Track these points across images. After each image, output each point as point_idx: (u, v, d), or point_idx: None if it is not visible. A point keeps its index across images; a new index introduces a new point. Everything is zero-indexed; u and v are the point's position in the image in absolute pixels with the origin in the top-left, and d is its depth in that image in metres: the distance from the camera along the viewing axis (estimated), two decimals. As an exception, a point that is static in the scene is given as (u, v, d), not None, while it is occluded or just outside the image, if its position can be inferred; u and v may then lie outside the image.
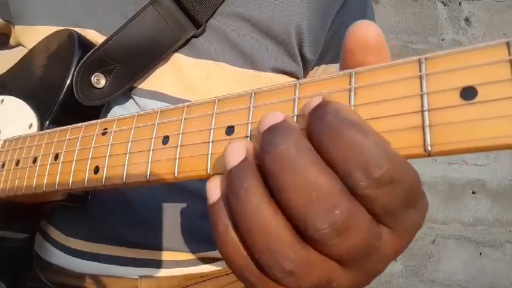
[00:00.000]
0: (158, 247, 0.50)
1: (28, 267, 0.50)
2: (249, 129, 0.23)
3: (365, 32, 0.20)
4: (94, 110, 0.46)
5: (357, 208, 0.18)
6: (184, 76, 0.48)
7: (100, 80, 0.45)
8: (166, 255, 0.50)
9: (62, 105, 0.45)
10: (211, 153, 0.25)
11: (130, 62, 0.46)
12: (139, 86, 0.48)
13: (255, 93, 0.24)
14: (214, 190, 0.21)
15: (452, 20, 1.60)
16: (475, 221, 1.56)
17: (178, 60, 0.48)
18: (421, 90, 0.18)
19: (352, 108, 0.20)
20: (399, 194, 0.18)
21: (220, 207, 0.21)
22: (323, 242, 0.18)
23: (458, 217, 1.57)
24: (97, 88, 0.45)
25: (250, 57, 0.48)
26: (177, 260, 0.51)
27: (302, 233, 0.19)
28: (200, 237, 0.51)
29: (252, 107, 0.24)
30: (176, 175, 0.26)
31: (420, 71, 0.19)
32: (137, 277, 0.49)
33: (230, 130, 0.24)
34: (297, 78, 0.51)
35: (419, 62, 0.19)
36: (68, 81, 0.44)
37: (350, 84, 0.20)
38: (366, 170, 0.17)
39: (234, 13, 0.48)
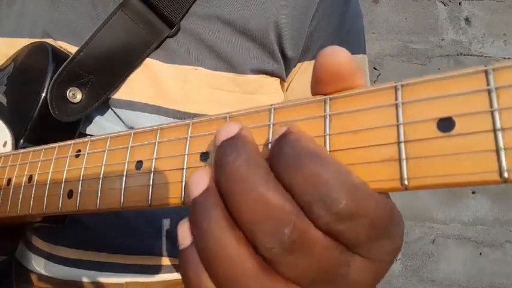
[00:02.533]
0: (145, 252, 0.49)
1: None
2: None
3: (335, 60, 0.19)
4: (71, 125, 0.44)
5: (310, 229, 0.17)
6: (160, 83, 0.46)
7: (76, 95, 0.43)
8: (153, 260, 0.49)
9: (37, 123, 0.43)
10: (186, 181, 0.24)
11: (104, 72, 0.44)
12: (116, 97, 0.46)
13: (229, 117, 0.23)
14: (185, 233, 0.20)
15: (452, 20, 1.59)
16: (475, 221, 1.56)
17: (154, 67, 0.46)
18: (397, 120, 0.18)
19: (328, 137, 0.19)
20: (364, 228, 0.17)
21: (192, 252, 0.19)
22: (274, 261, 0.18)
23: (458, 217, 1.57)
24: (73, 103, 0.43)
25: (228, 59, 0.46)
26: (164, 265, 0.50)
27: (258, 253, 0.18)
28: None
29: None
30: (150, 203, 0.25)
31: (396, 99, 0.18)
32: (123, 283, 0.49)
33: (205, 156, 0.24)
34: (279, 77, 0.49)
35: (395, 89, 0.18)
36: (43, 98, 0.43)
37: (324, 112, 0.19)
38: (325, 204, 0.17)
39: (209, 14, 0.46)
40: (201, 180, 0.19)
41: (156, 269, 0.49)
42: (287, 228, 0.17)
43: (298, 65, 0.50)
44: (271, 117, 0.22)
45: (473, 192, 1.56)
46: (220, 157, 0.19)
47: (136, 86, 0.46)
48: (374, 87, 0.19)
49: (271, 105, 0.22)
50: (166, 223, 0.49)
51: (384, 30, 1.60)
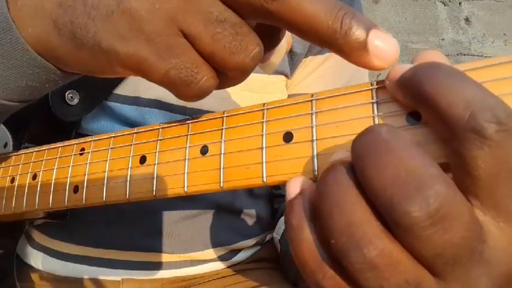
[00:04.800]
0: (142, 248, 0.50)
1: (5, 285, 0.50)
2: (223, 147, 0.25)
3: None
4: (69, 124, 0.46)
5: (457, 194, 0.15)
6: None
7: (73, 97, 0.45)
8: (150, 257, 0.50)
9: (38, 122, 0.44)
10: (188, 172, 0.26)
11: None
12: (121, 92, 0.47)
13: (226, 116, 0.26)
14: (294, 186, 0.20)
15: (452, 20, 1.61)
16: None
17: None
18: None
19: (314, 128, 0.23)
20: None
21: (299, 202, 0.19)
22: (413, 232, 0.15)
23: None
24: (70, 105, 0.45)
25: None
26: (161, 262, 0.50)
27: (388, 220, 0.16)
28: (184, 238, 0.51)
29: (224, 129, 0.26)
30: (155, 193, 0.27)
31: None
32: (119, 279, 0.49)
33: (205, 149, 0.26)
34: (285, 75, 0.52)
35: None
36: (42, 99, 0.42)
37: (311, 110, 0.24)
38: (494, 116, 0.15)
39: None
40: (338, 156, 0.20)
41: (153, 266, 0.50)
42: (432, 190, 0.15)
43: (304, 60, 0.53)
44: (265, 115, 0.25)
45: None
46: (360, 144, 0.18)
47: (142, 82, 0.46)
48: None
49: (264, 104, 0.25)
50: (164, 220, 0.50)
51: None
